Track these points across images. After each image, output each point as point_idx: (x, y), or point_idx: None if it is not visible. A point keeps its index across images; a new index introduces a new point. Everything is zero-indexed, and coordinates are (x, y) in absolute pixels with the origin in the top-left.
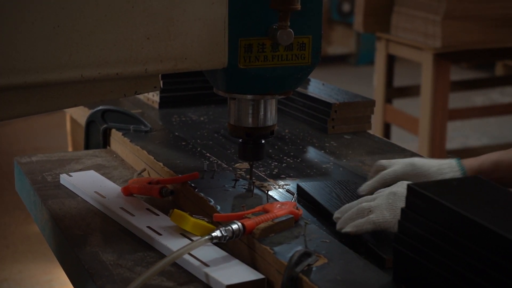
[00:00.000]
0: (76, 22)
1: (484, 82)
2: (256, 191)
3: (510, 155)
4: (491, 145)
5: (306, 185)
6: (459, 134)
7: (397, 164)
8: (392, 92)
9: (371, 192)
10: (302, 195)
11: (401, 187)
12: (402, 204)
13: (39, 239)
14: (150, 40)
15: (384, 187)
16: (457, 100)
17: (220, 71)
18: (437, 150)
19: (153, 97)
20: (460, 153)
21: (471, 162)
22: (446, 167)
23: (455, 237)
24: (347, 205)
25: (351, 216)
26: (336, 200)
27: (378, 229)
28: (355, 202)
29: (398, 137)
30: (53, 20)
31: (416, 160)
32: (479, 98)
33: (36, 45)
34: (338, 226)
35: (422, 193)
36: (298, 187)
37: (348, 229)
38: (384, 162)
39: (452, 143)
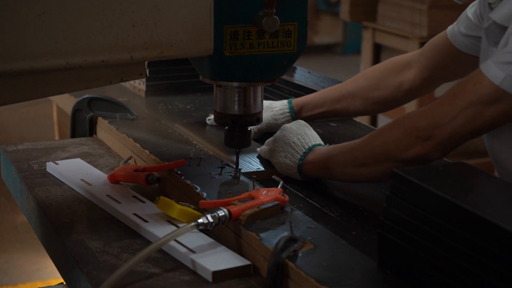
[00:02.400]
0: (62, 10)
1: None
2: (242, 178)
3: (334, 92)
4: None
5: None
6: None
7: None
8: None
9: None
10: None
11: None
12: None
13: (26, 229)
14: (135, 27)
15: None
16: (442, 89)
17: (206, 58)
18: None
19: (139, 85)
20: None
21: (299, 99)
22: (278, 103)
23: (440, 221)
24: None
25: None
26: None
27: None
28: None
29: None
30: (39, 7)
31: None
32: None
33: (22, 32)
34: None
35: (406, 178)
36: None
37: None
38: None
39: None
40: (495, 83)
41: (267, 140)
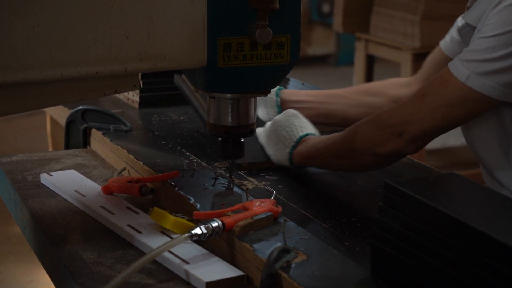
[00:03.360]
0: (56, 21)
1: None
2: (235, 189)
3: (330, 90)
4: None
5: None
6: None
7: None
8: None
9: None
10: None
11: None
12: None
13: (20, 240)
14: (129, 39)
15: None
16: None
17: (199, 70)
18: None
19: (133, 96)
20: (440, 153)
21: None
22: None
23: (432, 232)
24: None
25: None
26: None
27: None
28: None
29: None
30: (33, 19)
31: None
32: None
33: (16, 43)
34: None
35: (398, 189)
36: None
37: None
38: None
39: (431, 143)
40: (460, 80)
41: (264, 127)
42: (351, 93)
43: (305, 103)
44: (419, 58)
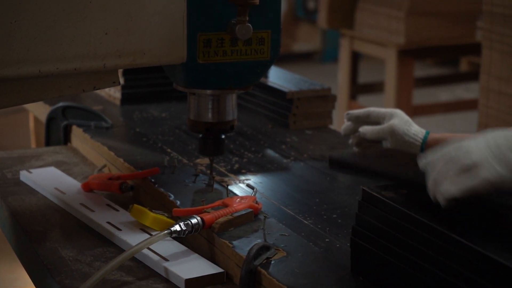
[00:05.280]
0: (34, 17)
1: (449, 78)
2: (216, 186)
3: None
4: None
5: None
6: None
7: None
8: (357, 89)
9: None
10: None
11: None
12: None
13: (1, 238)
14: (108, 35)
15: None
16: (422, 96)
17: (179, 66)
18: None
19: (115, 93)
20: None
21: (436, 134)
22: (417, 127)
23: (410, 228)
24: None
25: (445, 172)
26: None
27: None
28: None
29: None
30: (10, 14)
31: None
32: (444, 94)
33: None
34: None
35: (375, 196)
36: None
37: (454, 191)
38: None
39: None
40: None
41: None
42: None
43: None
44: (404, 54)
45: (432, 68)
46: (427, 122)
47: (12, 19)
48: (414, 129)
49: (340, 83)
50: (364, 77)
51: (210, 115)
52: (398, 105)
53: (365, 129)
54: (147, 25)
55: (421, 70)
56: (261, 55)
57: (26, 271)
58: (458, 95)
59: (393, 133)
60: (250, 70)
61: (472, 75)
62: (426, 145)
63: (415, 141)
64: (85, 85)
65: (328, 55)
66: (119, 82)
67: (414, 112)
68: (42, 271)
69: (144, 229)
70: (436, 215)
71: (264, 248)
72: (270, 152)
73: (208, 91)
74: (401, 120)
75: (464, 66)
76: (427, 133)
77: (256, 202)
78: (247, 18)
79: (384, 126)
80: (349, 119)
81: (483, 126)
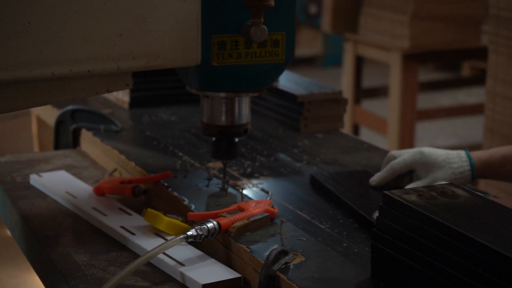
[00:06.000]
0: (47, 19)
1: (451, 83)
2: (230, 190)
3: None
4: (459, 146)
5: (320, 176)
6: (427, 134)
7: (406, 153)
8: (361, 93)
9: (382, 182)
10: (315, 185)
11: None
12: None
13: (5, 243)
14: (122, 37)
15: (394, 177)
16: (424, 101)
17: (193, 68)
18: None
19: (123, 97)
20: None
21: (480, 154)
22: (455, 157)
23: (433, 232)
24: None
25: None
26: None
27: None
28: None
29: (367, 138)
30: (24, 16)
31: (425, 149)
32: (445, 99)
33: (6, 42)
34: None
35: (396, 200)
36: (312, 177)
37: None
38: (394, 152)
39: (420, 144)
40: None
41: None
42: None
43: (503, 167)
44: (408, 59)
45: (433, 73)
46: (430, 127)
47: (24, 21)
48: (456, 162)
49: (344, 88)
50: (366, 82)
51: (223, 118)
52: (403, 110)
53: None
54: (161, 27)
55: (422, 75)
56: (275, 58)
57: (38, 276)
58: (460, 100)
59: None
60: (265, 73)
61: (474, 80)
62: (477, 170)
63: (464, 171)
64: (98, 88)
65: (329, 60)
66: (132, 84)
67: (418, 116)
68: (56, 276)
69: (158, 233)
70: (459, 219)
71: (283, 253)
72: (282, 156)
73: (222, 94)
74: (442, 170)
75: (466, 70)
76: (471, 161)
77: (272, 206)
78: (262, 20)
79: (429, 182)
80: (375, 186)
81: (489, 130)
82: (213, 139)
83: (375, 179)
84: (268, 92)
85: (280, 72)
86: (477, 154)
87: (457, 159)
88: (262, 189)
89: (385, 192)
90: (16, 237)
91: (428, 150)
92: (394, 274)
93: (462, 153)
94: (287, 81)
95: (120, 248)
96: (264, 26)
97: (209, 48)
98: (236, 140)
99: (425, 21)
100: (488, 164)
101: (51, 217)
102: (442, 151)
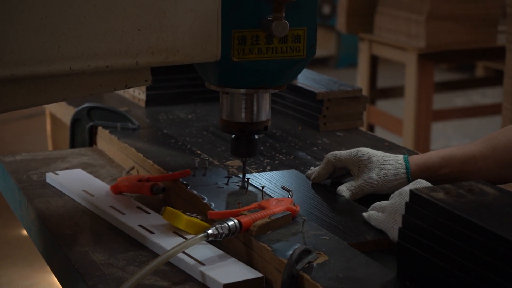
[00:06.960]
0: (65, 13)
1: (466, 83)
2: (250, 188)
3: (462, 151)
4: None
5: None
6: (441, 135)
7: (345, 151)
8: (376, 93)
9: (321, 177)
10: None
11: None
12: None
13: (19, 244)
14: (141, 31)
15: (331, 171)
16: (437, 102)
17: (213, 64)
18: (422, 151)
19: (139, 95)
20: None
21: (417, 157)
22: (390, 159)
23: (460, 231)
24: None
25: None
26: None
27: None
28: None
29: None
30: (41, 10)
31: (363, 148)
32: (459, 99)
33: (24, 36)
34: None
35: (424, 197)
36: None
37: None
38: (334, 152)
39: (435, 145)
40: None
41: (377, 205)
42: (489, 150)
43: (442, 169)
44: (424, 58)
45: (447, 73)
46: (444, 127)
47: (42, 15)
48: (391, 164)
49: None
50: (381, 82)
51: (243, 115)
52: (418, 110)
53: (342, 190)
54: (181, 22)
55: (435, 75)
56: (297, 53)
57: (55, 276)
58: (474, 100)
59: (375, 189)
60: (285, 69)
61: (489, 80)
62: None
63: (398, 174)
64: (117, 83)
65: (343, 60)
66: (151, 80)
67: (433, 117)
68: (74, 276)
69: (177, 232)
70: (489, 217)
71: (306, 252)
72: (301, 154)
73: (242, 90)
74: (375, 171)
75: (479, 71)
76: (407, 163)
77: (294, 205)
78: (283, 15)
79: (360, 183)
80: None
81: None
82: (233, 136)
83: (315, 176)
84: (287, 89)
85: (301, 69)
86: (413, 158)
87: (392, 161)
88: (283, 187)
89: (411, 189)
90: (32, 236)
91: (366, 150)
92: (420, 273)
93: (400, 156)
94: (305, 78)
95: (138, 247)
96: (286, 21)
97: (229, 44)
98: (256, 137)
99: (441, 20)
100: (424, 167)
101: (68, 215)
102: (380, 153)
